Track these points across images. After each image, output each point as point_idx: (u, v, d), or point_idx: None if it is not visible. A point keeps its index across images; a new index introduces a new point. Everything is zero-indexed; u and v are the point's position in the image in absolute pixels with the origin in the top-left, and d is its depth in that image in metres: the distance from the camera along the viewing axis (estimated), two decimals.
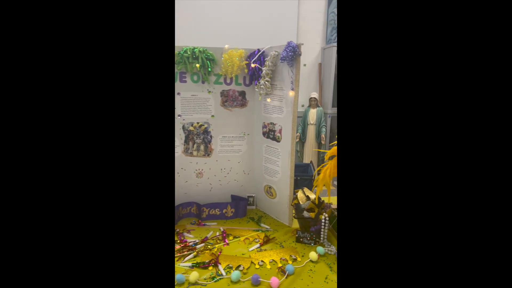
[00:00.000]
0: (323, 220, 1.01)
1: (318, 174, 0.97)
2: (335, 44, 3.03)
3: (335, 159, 0.94)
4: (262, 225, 1.18)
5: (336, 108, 3.07)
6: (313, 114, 3.18)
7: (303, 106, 3.39)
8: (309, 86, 3.40)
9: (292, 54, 0.99)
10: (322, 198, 1.09)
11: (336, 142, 0.95)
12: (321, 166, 0.99)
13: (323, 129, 3.16)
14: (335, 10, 3.30)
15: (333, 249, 0.99)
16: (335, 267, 0.91)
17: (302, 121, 3.27)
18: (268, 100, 1.13)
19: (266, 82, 1.07)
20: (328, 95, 3.26)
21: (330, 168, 0.94)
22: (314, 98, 3.15)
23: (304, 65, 3.37)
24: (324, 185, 0.98)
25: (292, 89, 1.03)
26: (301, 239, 1.04)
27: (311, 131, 3.20)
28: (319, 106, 3.21)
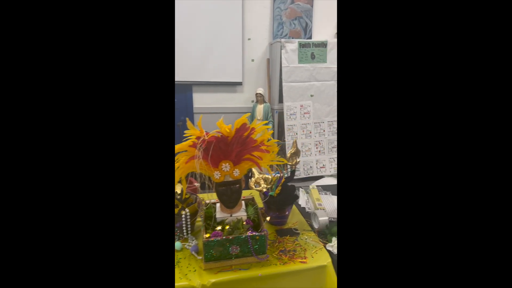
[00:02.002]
0: (183, 216, 1.02)
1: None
2: (280, 39, 3.04)
3: (183, 154, 0.95)
4: None
5: (283, 103, 3.09)
6: (260, 109, 3.20)
7: (252, 101, 3.39)
8: (257, 82, 3.41)
9: None
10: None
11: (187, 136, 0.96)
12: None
13: (270, 124, 3.18)
14: (281, 6, 3.31)
15: (193, 243, 1.01)
16: (182, 262, 0.92)
17: (250, 117, 3.28)
18: None
19: None
20: (275, 90, 3.27)
21: (179, 165, 0.95)
22: (260, 94, 3.17)
23: (252, 60, 3.37)
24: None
25: None
26: None
27: None
28: (265, 102, 3.23)
